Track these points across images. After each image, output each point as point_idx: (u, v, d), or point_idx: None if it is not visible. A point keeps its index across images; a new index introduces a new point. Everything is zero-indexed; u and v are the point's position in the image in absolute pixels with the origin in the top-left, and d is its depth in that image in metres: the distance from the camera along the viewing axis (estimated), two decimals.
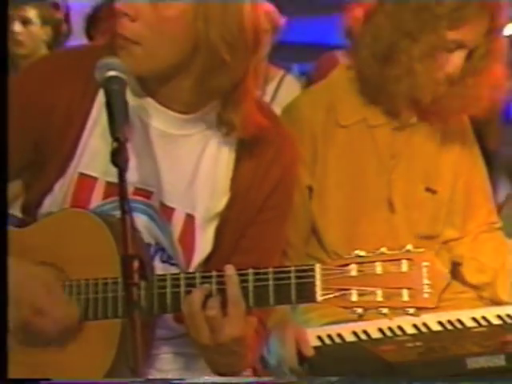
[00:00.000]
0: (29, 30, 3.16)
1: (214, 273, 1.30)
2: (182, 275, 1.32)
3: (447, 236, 1.94)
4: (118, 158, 1.21)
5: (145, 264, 1.19)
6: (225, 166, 1.44)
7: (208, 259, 1.45)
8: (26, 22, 3.16)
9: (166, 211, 1.42)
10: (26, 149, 1.44)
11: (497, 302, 1.90)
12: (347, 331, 1.75)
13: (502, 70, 1.87)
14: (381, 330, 1.74)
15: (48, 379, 1.34)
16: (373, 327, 1.73)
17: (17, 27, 3.13)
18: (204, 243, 1.44)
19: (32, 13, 3.16)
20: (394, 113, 1.87)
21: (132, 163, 1.25)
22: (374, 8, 1.85)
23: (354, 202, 1.87)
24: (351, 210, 1.87)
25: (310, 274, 1.24)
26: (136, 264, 1.16)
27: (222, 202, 1.44)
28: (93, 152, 1.42)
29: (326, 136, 1.86)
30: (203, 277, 1.31)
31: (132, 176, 1.31)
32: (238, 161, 1.44)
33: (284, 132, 1.50)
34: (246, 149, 1.43)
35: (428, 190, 1.89)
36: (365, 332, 1.74)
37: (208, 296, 1.28)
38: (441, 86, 1.82)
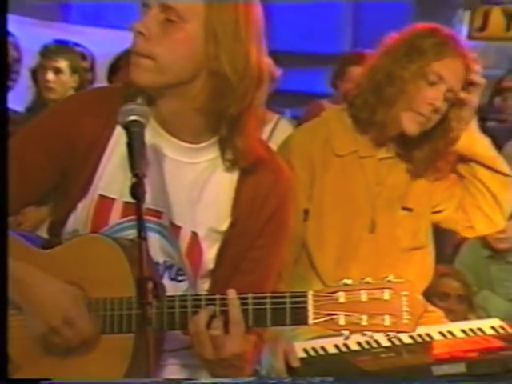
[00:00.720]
0: (60, 78, 3.16)
1: (218, 296, 1.29)
2: (189, 297, 1.31)
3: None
4: (137, 191, 1.22)
5: (157, 285, 1.19)
6: (227, 193, 1.42)
7: (211, 276, 1.44)
8: (57, 71, 3.16)
9: (174, 229, 1.41)
10: (54, 173, 1.44)
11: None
12: (330, 344, 1.74)
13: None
14: (359, 343, 1.74)
15: (48, 379, 1.33)
16: (352, 340, 1.72)
17: (49, 76, 3.15)
18: (208, 259, 1.43)
19: (63, 63, 3.17)
20: (380, 143, 1.89)
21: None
22: (376, 54, 1.91)
23: (345, 224, 1.87)
24: (342, 232, 1.87)
25: (303, 299, 1.23)
26: (150, 285, 1.17)
27: (224, 225, 1.42)
28: (111, 176, 1.42)
29: (324, 163, 1.87)
30: (208, 299, 1.30)
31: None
32: (239, 189, 1.42)
33: (280, 166, 1.49)
34: (246, 179, 1.42)
35: (404, 208, 1.90)
36: (345, 345, 1.73)
37: (212, 317, 1.27)
38: (429, 122, 1.83)
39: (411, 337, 1.76)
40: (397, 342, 1.74)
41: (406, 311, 1.15)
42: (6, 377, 1.27)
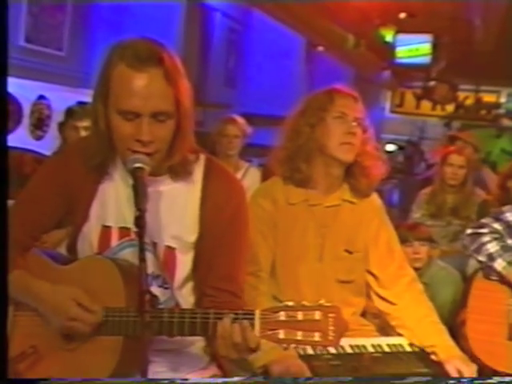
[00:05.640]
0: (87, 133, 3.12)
1: (199, 310, 1.23)
2: (176, 310, 1.25)
3: (371, 284, 1.84)
4: (140, 222, 1.16)
5: (153, 297, 1.16)
6: (192, 211, 1.35)
7: (191, 276, 1.36)
8: (86, 129, 3.10)
9: (153, 245, 1.34)
10: (62, 204, 1.38)
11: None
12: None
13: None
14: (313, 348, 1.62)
15: (46, 379, 1.24)
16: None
17: (82, 133, 3.04)
18: (185, 266, 1.35)
19: (88, 122, 3.12)
20: (315, 187, 1.79)
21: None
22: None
23: (298, 256, 1.78)
24: (295, 262, 1.78)
25: (252, 316, 1.16)
26: (148, 297, 1.12)
27: (193, 236, 1.35)
28: (108, 209, 1.36)
29: (282, 210, 1.78)
30: (192, 312, 1.23)
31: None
32: (202, 205, 1.35)
33: (232, 178, 1.43)
34: (206, 196, 1.35)
35: (346, 251, 1.81)
36: (303, 349, 1.61)
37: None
38: (356, 146, 1.75)
39: (351, 346, 1.68)
40: (341, 351, 1.64)
41: (332, 330, 1.08)
42: (6, 377, 1.16)
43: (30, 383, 1.25)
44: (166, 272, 1.34)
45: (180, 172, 1.34)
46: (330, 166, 1.78)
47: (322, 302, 1.10)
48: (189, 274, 1.35)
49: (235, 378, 1.35)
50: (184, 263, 1.35)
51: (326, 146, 1.75)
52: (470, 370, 1.63)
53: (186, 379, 1.33)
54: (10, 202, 1.32)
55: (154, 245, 1.33)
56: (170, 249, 1.34)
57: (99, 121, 1.28)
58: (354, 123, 1.76)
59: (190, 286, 1.37)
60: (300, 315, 1.09)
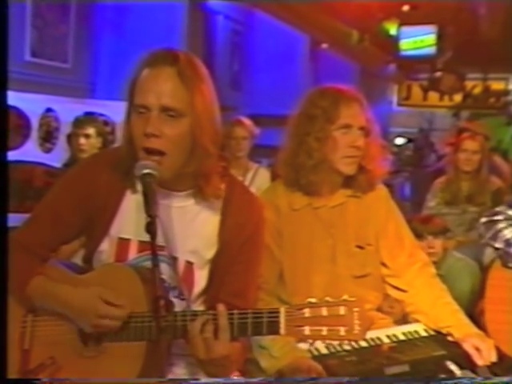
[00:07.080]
0: (89, 141, 3.14)
1: (211, 311, 1.23)
2: (189, 312, 1.25)
3: (382, 273, 1.83)
4: (151, 228, 1.18)
5: (168, 302, 1.16)
6: (212, 227, 1.37)
7: (205, 290, 1.38)
8: (87, 136, 3.15)
9: (173, 260, 1.36)
10: (82, 218, 1.39)
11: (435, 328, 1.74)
12: (303, 348, 1.59)
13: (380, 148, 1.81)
14: (327, 347, 1.60)
15: (39, 379, 1.25)
16: (321, 344, 1.60)
17: (81, 141, 3.13)
18: (201, 280, 1.37)
19: (91, 130, 3.15)
20: (318, 193, 1.77)
21: None
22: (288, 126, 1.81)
23: (307, 261, 1.76)
24: (305, 266, 1.77)
25: (277, 314, 1.18)
26: (162, 302, 1.13)
27: (211, 252, 1.37)
28: (127, 222, 1.37)
29: (286, 217, 1.76)
30: (202, 313, 1.24)
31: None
32: (223, 222, 1.37)
33: (254, 199, 1.44)
34: (227, 214, 1.37)
35: (357, 246, 1.79)
36: (316, 349, 1.60)
37: (205, 324, 1.21)
38: (359, 158, 1.74)
39: (366, 340, 1.64)
40: (356, 346, 1.60)
41: (357, 324, 1.10)
42: (5, 377, 1.16)
43: (29, 383, 1.26)
44: (184, 286, 1.36)
45: (205, 194, 1.36)
46: (332, 174, 1.77)
47: (345, 297, 1.11)
48: (204, 287, 1.38)
49: (249, 379, 1.36)
50: (201, 278, 1.37)
51: (331, 159, 1.73)
52: (487, 346, 1.60)
53: (198, 379, 1.34)
54: (11, 216, 1.33)
55: (174, 259, 1.36)
56: (189, 263, 1.36)
57: (126, 123, 1.32)
58: (359, 132, 1.71)
59: (202, 299, 1.39)
60: (325, 311, 1.11)
